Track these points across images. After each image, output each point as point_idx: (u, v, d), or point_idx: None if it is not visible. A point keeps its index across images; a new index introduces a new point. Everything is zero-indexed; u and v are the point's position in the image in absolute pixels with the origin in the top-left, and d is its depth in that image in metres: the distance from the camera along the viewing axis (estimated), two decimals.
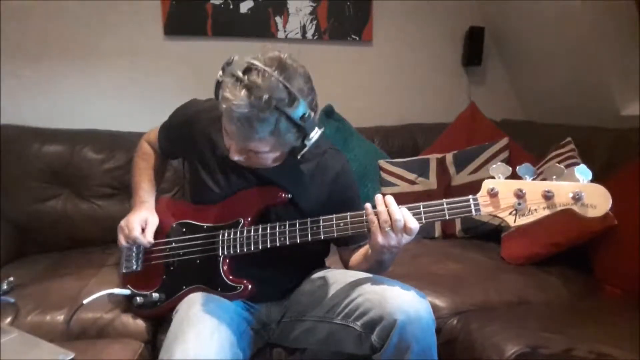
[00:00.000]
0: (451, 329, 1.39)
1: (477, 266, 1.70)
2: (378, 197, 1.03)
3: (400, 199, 1.03)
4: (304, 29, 2.36)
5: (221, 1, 2.23)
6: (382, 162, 2.20)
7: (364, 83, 2.52)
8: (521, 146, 2.06)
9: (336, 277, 1.20)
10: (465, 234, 2.01)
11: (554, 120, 2.23)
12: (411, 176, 2.13)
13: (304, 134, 1.02)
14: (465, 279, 1.59)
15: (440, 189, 2.07)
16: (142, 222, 1.26)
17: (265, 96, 0.93)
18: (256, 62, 0.97)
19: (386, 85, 2.55)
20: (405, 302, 1.02)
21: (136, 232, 1.23)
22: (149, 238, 1.25)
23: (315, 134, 1.03)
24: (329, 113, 2.21)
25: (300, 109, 0.97)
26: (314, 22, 2.36)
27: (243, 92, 0.94)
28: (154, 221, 1.28)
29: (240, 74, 0.96)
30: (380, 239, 1.01)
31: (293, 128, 0.99)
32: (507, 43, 2.57)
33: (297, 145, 1.05)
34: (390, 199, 1.02)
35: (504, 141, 2.06)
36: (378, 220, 1.01)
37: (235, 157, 1.08)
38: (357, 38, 2.44)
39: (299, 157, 1.07)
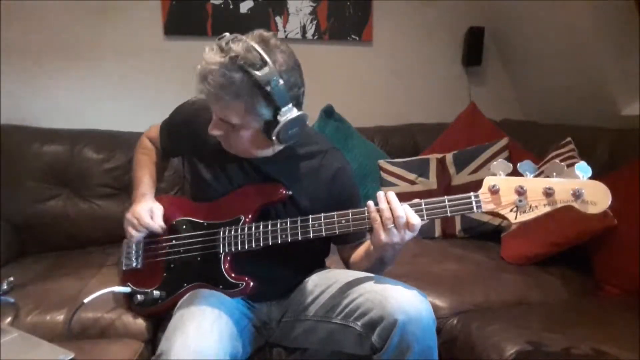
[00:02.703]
0: (451, 329, 1.39)
1: (477, 266, 1.71)
2: (380, 194, 1.03)
3: (401, 199, 1.03)
4: (304, 29, 2.36)
5: (221, 1, 2.23)
6: (382, 162, 2.20)
7: (364, 83, 2.52)
8: (521, 146, 2.06)
9: (336, 276, 1.20)
10: (465, 234, 2.01)
11: (554, 120, 2.23)
12: (411, 176, 2.14)
13: (274, 105, 1.01)
14: (465, 279, 1.59)
15: (440, 189, 2.08)
16: (148, 211, 1.25)
17: (232, 54, 0.97)
18: (242, 36, 1.01)
19: (386, 85, 2.55)
20: (405, 302, 1.02)
21: (147, 219, 1.23)
22: (159, 222, 1.24)
23: (290, 112, 1.02)
24: (329, 113, 2.21)
25: (268, 75, 0.97)
26: (314, 22, 2.36)
27: (218, 54, 0.99)
28: (159, 208, 1.27)
29: (223, 42, 1.00)
30: (383, 236, 1.01)
31: (259, 94, 0.99)
32: (507, 43, 2.57)
33: (269, 118, 1.03)
34: (392, 196, 1.02)
35: (504, 141, 2.06)
36: (381, 217, 1.01)
37: (214, 132, 1.10)
38: (357, 38, 2.44)
39: (273, 137, 1.04)
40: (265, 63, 0.98)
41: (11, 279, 1.46)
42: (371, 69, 2.51)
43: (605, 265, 1.56)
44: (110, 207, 1.93)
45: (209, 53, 1.00)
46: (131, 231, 1.25)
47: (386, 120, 2.43)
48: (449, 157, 2.13)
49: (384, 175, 2.18)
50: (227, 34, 1.02)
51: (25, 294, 1.42)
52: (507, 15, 2.43)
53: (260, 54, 0.98)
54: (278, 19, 2.32)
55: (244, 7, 2.27)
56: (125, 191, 1.90)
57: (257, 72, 0.97)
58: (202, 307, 1.06)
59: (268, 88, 0.98)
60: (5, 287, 1.43)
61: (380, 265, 1.17)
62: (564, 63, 2.22)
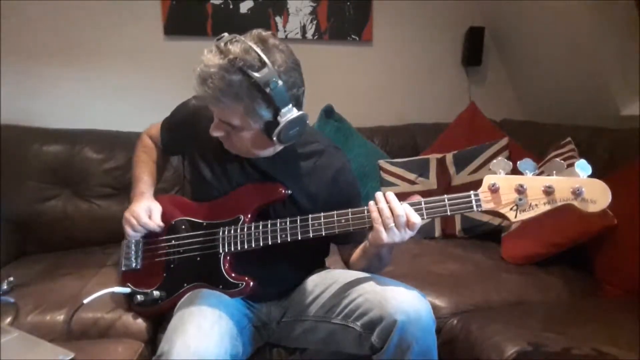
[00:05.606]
0: (451, 329, 1.39)
1: (477, 266, 1.70)
2: (378, 194, 1.03)
3: (401, 199, 1.03)
4: (304, 29, 2.36)
5: (221, 1, 2.24)
6: (382, 162, 2.20)
7: (364, 83, 2.52)
8: (521, 146, 2.06)
9: (336, 277, 1.20)
10: (465, 234, 2.01)
11: (554, 120, 2.23)
12: (411, 176, 2.14)
13: (273, 106, 1.00)
14: (465, 279, 1.59)
15: (440, 189, 2.08)
16: (146, 210, 1.25)
17: (231, 56, 0.96)
18: (240, 36, 1.01)
19: (386, 85, 2.55)
20: (405, 303, 1.02)
21: (144, 219, 1.23)
22: (157, 222, 1.24)
23: (290, 112, 1.01)
24: (329, 113, 2.21)
25: (267, 76, 0.97)
26: (314, 22, 2.36)
27: (217, 56, 0.98)
28: (157, 207, 1.28)
29: (222, 44, 0.99)
30: (384, 235, 1.01)
31: (258, 96, 0.99)
32: (507, 43, 2.57)
33: (269, 119, 1.03)
34: (391, 196, 1.02)
35: (504, 141, 2.06)
36: (381, 217, 1.01)
37: (215, 133, 1.10)
38: (357, 38, 2.44)
39: (274, 137, 1.04)
40: (264, 64, 0.97)
41: (11, 279, 1.46)
42: (371, 69, 2.51)
43: (605, 265, 1.56)
44: (110, 207, 1.93)
45: (208, 55, 0.99)
46: (129, 231, 1.25)
47: (386, 120, 2.43)
48: (449, 157, 2.13)
49: (384, 175, 2.18)
50: (226, 34, 1.02)
51: (25, 294, 1.42)
52: (507, 15, 2.43)
53: (258, 55, 0.98)
54: (278, 19, 2.32)
55: (244, 7, 2.27)
56: (125, 191, 1.89)
57: (256, 74, 0.97)
58: (202, 308, 1.06)
59: (267, 89, 0.98)
60: (5, 287, 1.43)
61: (378, 262, 1.17)
62: (564, 63, 2.22)
